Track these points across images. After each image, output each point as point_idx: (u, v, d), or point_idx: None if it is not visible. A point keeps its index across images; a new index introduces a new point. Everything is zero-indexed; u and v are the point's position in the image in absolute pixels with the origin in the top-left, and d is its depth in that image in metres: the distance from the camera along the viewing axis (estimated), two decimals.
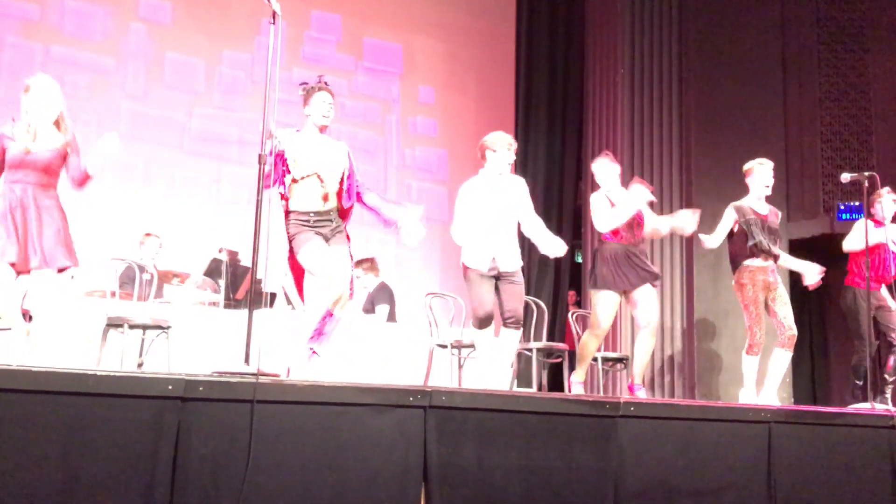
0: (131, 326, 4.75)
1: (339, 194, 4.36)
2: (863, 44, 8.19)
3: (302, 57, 8.70)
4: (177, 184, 8.27)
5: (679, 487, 3.58)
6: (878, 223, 5.91)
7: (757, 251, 5.45)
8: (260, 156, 3.47)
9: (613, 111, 8.59)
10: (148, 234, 7.02)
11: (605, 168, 5.48)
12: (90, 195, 7.62)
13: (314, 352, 4.09)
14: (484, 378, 4.72)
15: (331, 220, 4.27)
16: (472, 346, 5.85)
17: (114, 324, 4.76)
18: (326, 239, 4.21)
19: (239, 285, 6.99)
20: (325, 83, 4.44)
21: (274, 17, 3.58)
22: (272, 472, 2.82)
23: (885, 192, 5.92)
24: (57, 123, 4.32)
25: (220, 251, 7.04)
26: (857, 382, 5.86)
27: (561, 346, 6.28)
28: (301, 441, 2.90)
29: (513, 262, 4.78)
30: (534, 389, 5.86)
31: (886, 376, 5.80)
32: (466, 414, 3.21)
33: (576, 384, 5.42)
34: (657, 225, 5.54)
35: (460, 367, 5.76)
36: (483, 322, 4.72)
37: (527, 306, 6.56)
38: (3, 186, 4.21)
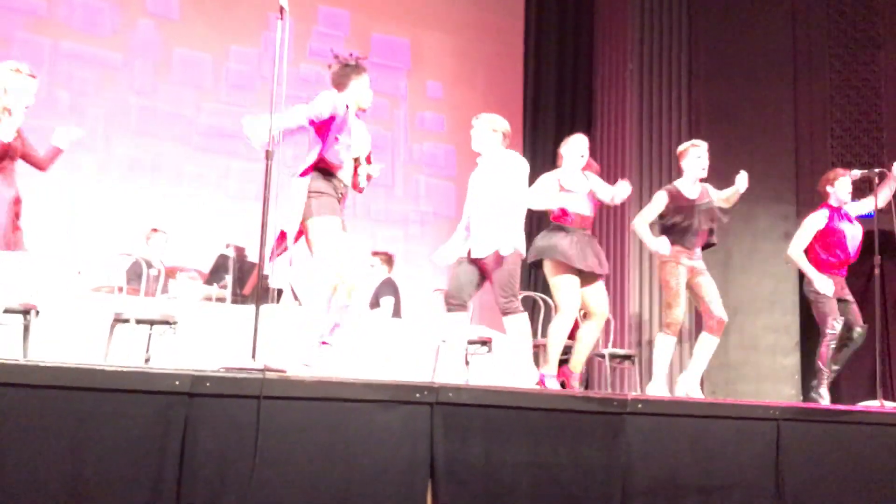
0: (138, 322, 4.76)
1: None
2: (874, 39, 8.14)
3: (309, 52, 8.69)
4: (184, 179, 8.28)
5: (687, 485, 3.57)
6: (832, 209, 5.83)
7: (681, 238, 5.39)
8: (267, 152, 3.47)
9: (622, 107, 8.56)
10: (154, 230, 7.04)
11: (575, 145, 5.15)
12: (97, 189, 7.69)
13: (324, 342, 4.04)
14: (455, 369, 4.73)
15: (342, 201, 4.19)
16: (479, 342, 5.84)
17: (121, 319, 4.76)
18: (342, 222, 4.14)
19: (246, 281, 6.99)
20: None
21: (282, 13, 3.57)
22: (279, 467, 2.82)
23: (841, 173, 5.86)
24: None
25: (227, 247, 7.04)
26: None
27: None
28: (308, 437, 2.90)
29: (482, 247, 4.58)
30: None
31: (833, 365, 5.70)
32: (473, 410, 3.21)
33: (549, 378, 4.99)
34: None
35: (467, 363, 5.75)
36: (448, 304, 4.66)
37: (533, 303, 6.55)
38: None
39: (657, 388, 5.28)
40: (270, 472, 2.80)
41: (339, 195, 4.12)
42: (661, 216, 5.41)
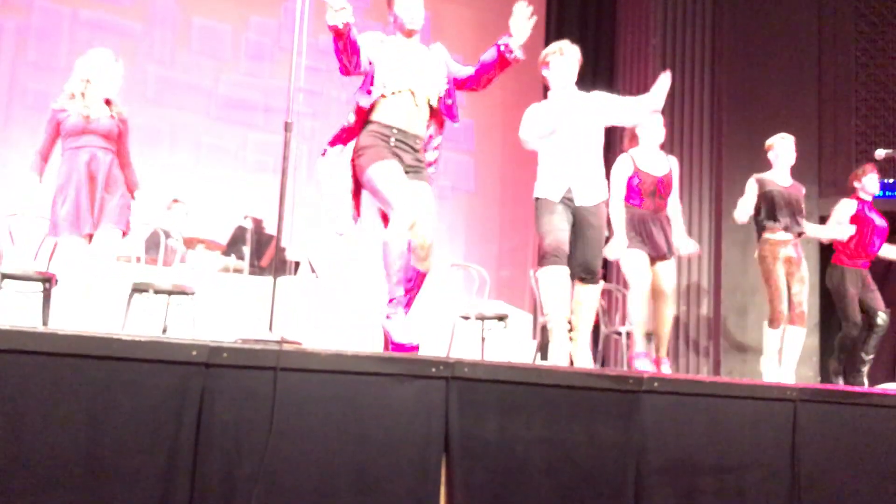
0: (156, 292, 4.78)
1: (436, 115, 4.02)
2: None
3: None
4: (203, 150, 8.29)
5: (702, 464, 3.55)
6: (862, 201, 5.88)
7: (778, 224, 5.46)
8: (286, 123, 3.45)
9: (644, 84, 8.45)
10: (175, 201, 7.07)
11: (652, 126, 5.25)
12: None
13: (389, 316, 3.73)
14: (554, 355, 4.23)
15: (414, 150, 3.88)
16: (495, 317, 5.83)
17: (139, 289, 4.79)
18: (405, 168, 3.77)
19: (263, 252, 7.02)
20: None
21: None
22: (294, 439, 2.83)
23: (869, 169, 5.92)
24: (108, 102, 4.38)
25: (244, 218, 7.06)
26: (840, 357, 5.84)
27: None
28: (323, 409, 2.91)
29: (592, 195, 4.29)
30: None
31: (863, 355, 5.79)
32: (489, 386, 3.20)
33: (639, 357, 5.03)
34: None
35: (483, 338, 5.75)
36: (549, 255, 4.14)
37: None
38: (65, 154, 4.28)
39: (769, 372, 5.40)
40: (285, 443, 2.81)
41: (393, 145, 3.77)
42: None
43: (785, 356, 5.54)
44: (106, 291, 5.23)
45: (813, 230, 5.69)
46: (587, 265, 4.24)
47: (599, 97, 4.52)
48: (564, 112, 4.42)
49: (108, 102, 4.40)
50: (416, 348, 3.61)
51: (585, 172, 4.31)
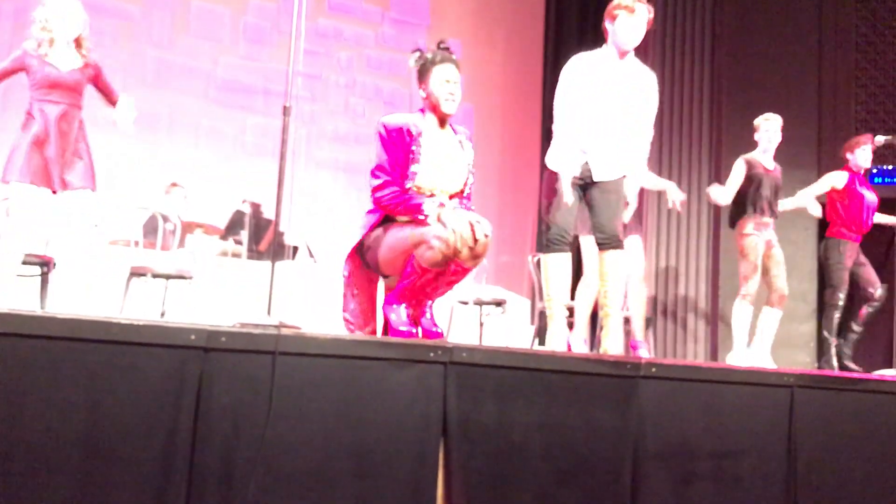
0: (154, 276, 4.78)
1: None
2: None
3: (328, 7, 8.59)
4: (201, 133, 8.26)
5: (699, 449, 3.57)
6: (853, 173, 5.91)
7: (761, 205, 5.55)
8: (285, 107, 3.43)
9: None
10: (174, 184, 7.05)
11: None
12: (114, 142, 7.68)
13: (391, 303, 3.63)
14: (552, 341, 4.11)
15: None
16: (493, 303, 5.84)
17: (137, 273, 4.79)
18: None
19: (262, 237, 7.01)
20: (448, 50, 3.70)
21: None
22: (293, 423, 2.84)
23: (863, 141, 5.94)
24: (78, 42, 4.32)
25: (243, 202, 7.06)
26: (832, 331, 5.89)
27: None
28: (322, 393, 2.91)
29: (610, 170, 3.98)
30: None
31: (854, 326, 5.86)
32: (487, 371, 3.20)
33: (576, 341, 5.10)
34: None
35: (481, 324, 5.76)
36: (554, 241, 3.97)
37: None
38: (33, 106, 4.22)
39: (738, 357, 5.41)
40: (284, 427, 2.81)
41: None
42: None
43: (761, 338, 5.60)
44: (104, 275, 5.23)
45: (783, 203, 5.78)
46: (603, 227, 3.97)
47: (651, 90, 4.13)
48: (607, 76, 4.01)
49: (77, 44, 4.33)
50: (415, 335, 3.61)
51: (608, 145, 3.98)
